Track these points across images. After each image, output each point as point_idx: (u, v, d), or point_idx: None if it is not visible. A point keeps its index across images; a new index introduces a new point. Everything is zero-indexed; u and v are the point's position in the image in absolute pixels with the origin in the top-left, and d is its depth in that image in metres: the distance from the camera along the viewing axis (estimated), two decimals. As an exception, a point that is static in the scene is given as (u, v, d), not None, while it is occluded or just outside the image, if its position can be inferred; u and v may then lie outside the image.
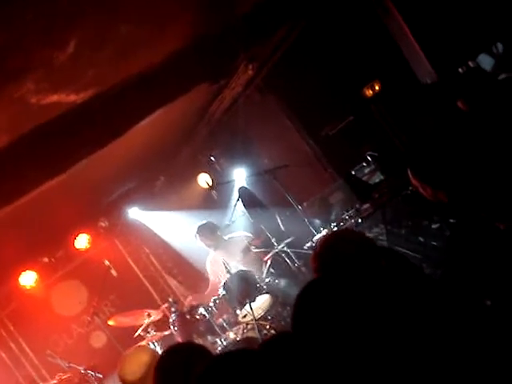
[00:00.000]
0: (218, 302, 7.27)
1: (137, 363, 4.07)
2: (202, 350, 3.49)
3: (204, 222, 8.51)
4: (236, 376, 1.83)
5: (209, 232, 8.41)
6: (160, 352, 7.59)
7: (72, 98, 5.14)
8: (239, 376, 1.82)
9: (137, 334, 7.91)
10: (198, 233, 8.43)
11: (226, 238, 8.45)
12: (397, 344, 2.06)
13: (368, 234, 7.07)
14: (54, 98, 4.89)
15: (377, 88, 8.38)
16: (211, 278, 8.51)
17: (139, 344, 7.22)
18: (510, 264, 3.70)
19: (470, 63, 7.12)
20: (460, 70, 7.04)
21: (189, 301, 8.35)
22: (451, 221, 6.50)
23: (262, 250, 7.77)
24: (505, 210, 3.74)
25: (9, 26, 3.61)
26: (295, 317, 2.09)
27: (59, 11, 3.87)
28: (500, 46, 7.12)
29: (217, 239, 8.41)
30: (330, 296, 2.08)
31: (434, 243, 6.83)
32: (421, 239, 7.04)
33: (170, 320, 7.39)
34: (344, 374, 1.97)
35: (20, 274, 9.45)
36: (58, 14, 3.90)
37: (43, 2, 3.66)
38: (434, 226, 6.98)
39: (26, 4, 3.54)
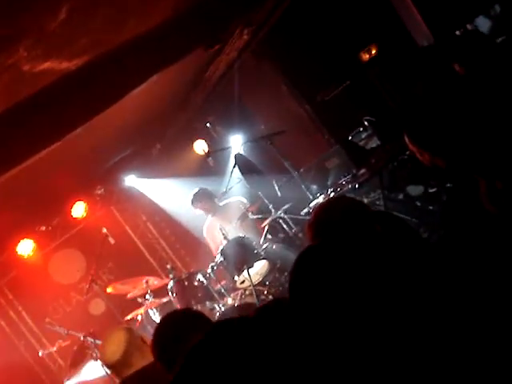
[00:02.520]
0: (215, 268, 7.30)
1: (115, 343, 4.09)
2: (200, 317, 3.50)
3: (197, 189, 8.52)
4: (230, 347, 1.83)
5: (203, 198, 8.44)
6: (158, 319, 7.67)
7: (65, 64, 5.08)
8: (233, 347, 1.83)
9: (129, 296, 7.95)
10: (192, 200, 8.45)
11: (221, 204, 8.47)
12: (391, 308, 2.06)
13: (365, 199, 7.08)
14: (47, 64, 4.83)
15: (373, 52, 8.30)
16: (211, 244, 8.52)
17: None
18: (506, 226, 3.70)
19: (468, 26, 7.05)
20: (457, 32, 6.97)
21: None
22: (448, 185, 6.50)
23: (259, 216, 7.78)
24: (502, 169, 3.73)
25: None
26: (291, 285, 2.09)
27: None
28: (498, 8, 7.05)
29: (212, 205, 8.43)
30: (325, 263, 2.07)
31: (431, 208, 6.84)
32: (418, 204, 7.05)
33: (168, 287, 7.42)
34: (340, 341, 1.97)
35: (18, 242, 9.47)
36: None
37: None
38: (431, 191, 6.98)
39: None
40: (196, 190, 8.56)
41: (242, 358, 1.81)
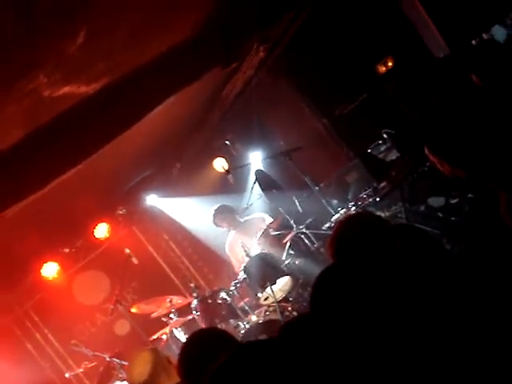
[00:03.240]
0: (238, 285, 7.30)
1: (141, 364, 4.10)
2: (225, 335, 3.50)
3: (218, 205, 8.54)
4: (255, 368, 1.83)
5: (224, 214, 8.45)
6: (182, 338, 7.67)
7: (83, 89, 5.14)
8: (256, 369, 1.83)
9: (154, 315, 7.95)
10: (213, 216, 8.46)
11: (242, 220, 8.47)
12: (414, 323, 2.05)
13: (386, 213, 7.05)
14: (66, 89, 4.89)
15: (390, 64, 8.30)
16: (233, 261, 8.52)
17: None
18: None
19: (484, 35, 7.03)
20: (473, 42, 6.95)
21: None
22: (470, 196, 6.46)
23: (281, 231, 7.77)
24: None
25: (17, 20, 3.60)
26: (313, 305, 2.09)
27: (67, 1, 3.86)
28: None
29: (233, 221, 8.44)
30: (346, 281, 2.08)
31: (453, 218, 6.80)
32: (440, 215, 7.00)
33: (192, 305, 7.43)
34: (361, 357, 1.97)
35: (42, 265, 9.54)
36: (67, 4, 3.88)
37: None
38: (452, 202, 6.94)
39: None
40: (217, 206, 8.57)
41: (266, 378, 1.81)
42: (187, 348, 3.52)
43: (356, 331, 1.98)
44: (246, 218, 8.54)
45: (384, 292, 2.04)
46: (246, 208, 8.45)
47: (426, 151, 4.05)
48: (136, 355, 4.30)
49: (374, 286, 2.05)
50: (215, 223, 8.55)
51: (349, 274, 2.11)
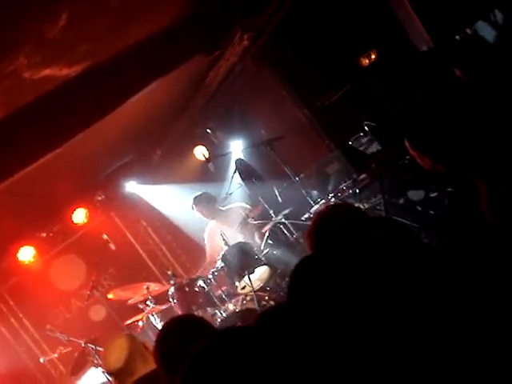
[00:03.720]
0: (216, 273, 7.29)
1: (117, 350, 4.08)
2: (202, 322, 3.50)
3: (199, 192, 8.50)
4: (231, 356, 1.83)
5: (205, 202, 8.40)
6: (159, 325, 7.66)
7: (65, 71, 5.10)
8: (234, 355, 1.83)
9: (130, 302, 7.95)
10: (194, 204, 8.42)
11: (223, 208, 8.45)
12: (389, 314, 2.06)
13: (366, 205, 7.07)
14: (47, 71, 4.85)
15: (373, 57, 8.30)
16: (208, 248, 8.51)
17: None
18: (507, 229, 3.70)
19: (468, 30, 7.05)
20: (457, 37, 6.97)
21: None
22: (449, 190, 6.50)
23: (260, 221, 7.77)
24: (503, 172, 3.73)
25: (-2, 0, 3.55)
26: (290, 294, 2.10)
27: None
28: (498, 13, 7.05)
29: (214, 209, 8.40)
30: (323, 272, 2.08)
31: (432, 212, 6.83)
32: (419, 208, 7.04)
33: (169, 293, 7.41)
34: (338, 347, 1.97)
35: (18, 249, 9.47)
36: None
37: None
38: (432, 195, 6.98)
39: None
40: (198, 193, 8.52)
41: (243, 365, 1.81)
42: (164, 334, 3.51)
43: (332, 322, 1.99)
44: (226, 207, 8.52)
45: (361, 283, 2.05)
46: (226, 197, 8.43)
47: (407, 145, 4.07)
48: (112, 341, 4.27)
49: (351, 277, 2.05)
50: (195, 210, 8.50)
51: (326, 265, 2.11)
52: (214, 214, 8.41)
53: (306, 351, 1.96)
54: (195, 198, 8.43)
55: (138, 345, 4.14)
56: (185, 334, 3.31)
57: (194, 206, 8.44)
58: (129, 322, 8.07)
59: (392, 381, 2.02)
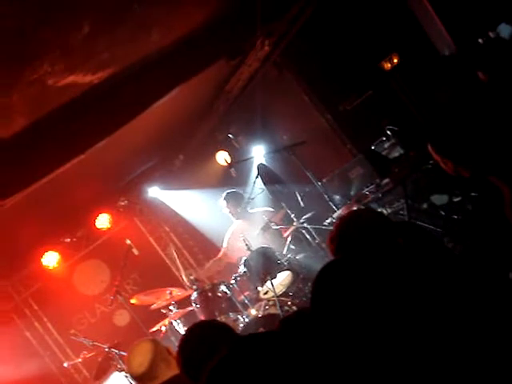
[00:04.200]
0: (239, 278, 7.29)
1: (141, 354, 4.09)
2: (225, 328, 3.50)
3: (233, 190, 8.49)
4: (252, 363, 1.83)
5: (236, 200, 8.40)
6: (182, 330, 7.68)
7: (88, 78, 5.14)
8: (255, 363, 1.83)
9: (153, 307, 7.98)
10: (225, 199, 8.42)
11: (250, 211, 8.44)
12: (413, 321, 2.05)
13: (389, 209, 7.04)
14: (71, 78, 4.89)
15: (395, 61, 8.28)
16: (226, 245, 8.49)
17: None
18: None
19: (490, 33, 7.00)
20: (480, 40, 6.92)
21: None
22: (473, 194, 6.44)
23: (282, 226, 7.76)
24: None
25: (23, 9, 3.59)
26: (313, 300, 2.09)
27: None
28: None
29: (242, 209, 8.39)
30: (346, 278, 2.07)
31: (456, 217, 6.78)
32: (442, 213, 6.99)
33: (192, 298, 7.43)
34: (359, 354, 1.96)
35: (43, 254, 9.57)
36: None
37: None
38: (455, 200, 6.92)
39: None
40: (230, 190, 8.52)
41: (264, 373, 1.81)
42: (187, 339, 3.51)
43: (355, 328, 1.98)
44: (251, 210, 8.51)
45: (384, 289, 2.04)
46: (248, 202, 8.42)
47: (429, 149, 4.04)
48: (135, 345, 4.29)
49: (374, 283, 2.04)
50: (223, 205, 8.48)
51: (349, 271, 2.11)
52: (241, 215, 8.40)
53: (329, 357, 1.96)
54: (227, 193, 8.43)
55: (162, 349, 4.15)
56: (207, 340, 3.31)
57: (224, 202, 8.43)
58: (153, 329, 8.09)
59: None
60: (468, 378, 2.04)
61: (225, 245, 8.55)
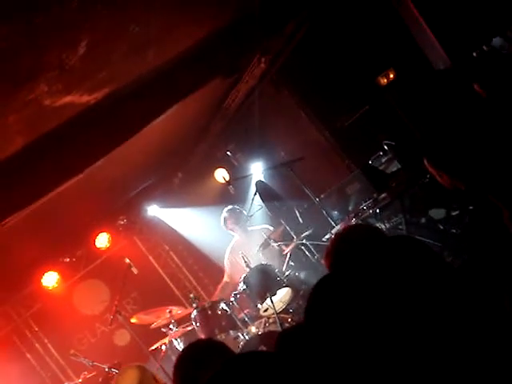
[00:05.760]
0: (238, 296, 7.27)
1: (127, 381, 4.08)
2: (222, 347, 3.49)
3: (232, 206, 8.49)
4: (247, 377, 1.83)
5: (236, 216, 8.40)
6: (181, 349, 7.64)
7: (85, 98, 5.16)
8: (250, 377, 1.83)
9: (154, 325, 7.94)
10: (226, 214, 8.41)
11: (249, 228, 8.43)
12: (410, 334, 2.04)
13: (387, 224, 7.03)
14: (68, 99, 4.91)
15: (391, 76, 8.32)
16: (228, 266, 8.48)
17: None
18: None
19: (484, 47, 7.03)
20: (474, 54, 6.96)
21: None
22: (470, 208, 6.45)
23: (281, 243, 7.75)
24: None
25: (19, 29, 3.62)
26: (307, 314, 2.09)
27: (69, 12, 3.88)
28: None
29: (243, 225, 8.39)
30: (340, 291, 2.07)
31: (454, 231, 6.78)
32: (440, 227, 6.99)
33: (192, 316, 7.40)
34: (356, 368, 1.96)
35: (42, 274, 9.54)
36: (68, 16, 3.91)
37: (52, 3, 3.67)
38: (453, 214, 6.93)
39: (36, 6, 3.55)
40: (231, 206, 8.51)
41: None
42: (183, 358, 3.50)
43: (350, 341, 1.97)
44: (251, 228, 8.51)
45: (379, 303, 2.04)
46: (247, 219, 8.42)
47: (425, 163, 4.06)
48: (122, 372, 4.27)
49: (369, 296, 2.04)
50: (224, 222, 8.47)
51: (343, 285, 2.11)
52: (241, 231, 8.40)
53: (324, 371, 1.95)
54: (228, 210, 8.42)
55: (148, 377, 4.13)
56: (204, 358, 3.30)
57: (225, 218, 8.43)
58: (153, 347, 8.06)
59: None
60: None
61: (227, 267, 8.53)
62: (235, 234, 8.49)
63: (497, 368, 2.17)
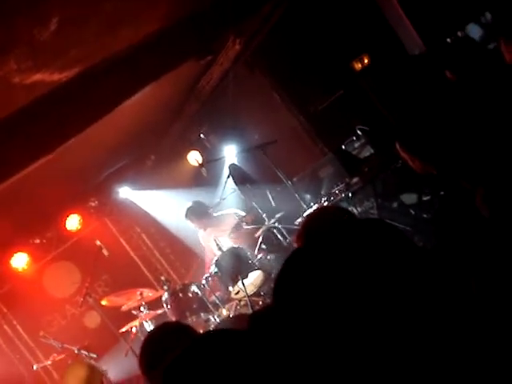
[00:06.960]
0: (210, 279, 7.27)
1: (74, 379, 4.06)
2: (189, 329, 3.48)
3: (190, 204, 8.39)
4: (210, 359, 1.82)
5: (196, 214, 8.31)
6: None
7: (56, 76, 5.08)
8: (214, 359, 1.82)
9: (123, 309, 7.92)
10: (186, 215, 8.35)
11: (215, 214, 8.40)
12: (380, 312, 2.05)
13: (359, 208, 7.07)
14: (38, 76, 4.83)
15: (366, 61, 8.33)
16: (208, 254, 8.46)
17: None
18: (496, 233, 3.69)
19: (459, 33, 7.07)
20: (448, 40, 6.99)
21: None
22: (442, 193, 6.50)
23: (254, 226, 7.75)
24: (489, 175, 3.73)
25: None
26: (275, 290, 2.09)
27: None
28: (488, 16, 7.07)
29: (205, 220, 8.32)
30: (308, 267, 2.07)
31: (425, 216, 6.83)
32: (412, 212, 7.04)
33: (163, 299, 7.38)
34: (324, 347, 1.96)
35: (12, 256, 9.43)
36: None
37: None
38: (425, 199, 6.98)
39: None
40: (190, 204, 8.42)
41: (223, 368, 1.80)
42: (150, 339, 3.49)
43: (317, 319, 1.97)
44: (218, 213, 8.46)
45: (347, 280, 2.04)
46: (219, 202, 8.39)
47: (397, 147, 4.07)
48: (71, 367, 4.26)
49: (336, 274, 2.04)
50: (187, 220, 8.43)
51: (311, 260, 2.10)
52: (206, 225, 8.34)
53: (292, 349, 1.95)
54: (187, 209, 8.34)
55: (96, 377, 4.12)
56: (171, 340, 3.29)
57: (186, 217, 8.38)
58: (123, 329, 8.03)
59: (386, 381, 2.00)
60: (433, 370, 2.05)
61: (207, 254, 8.45)
62: (202, 230, 8.43)
63: (461, 350, 2.18)
